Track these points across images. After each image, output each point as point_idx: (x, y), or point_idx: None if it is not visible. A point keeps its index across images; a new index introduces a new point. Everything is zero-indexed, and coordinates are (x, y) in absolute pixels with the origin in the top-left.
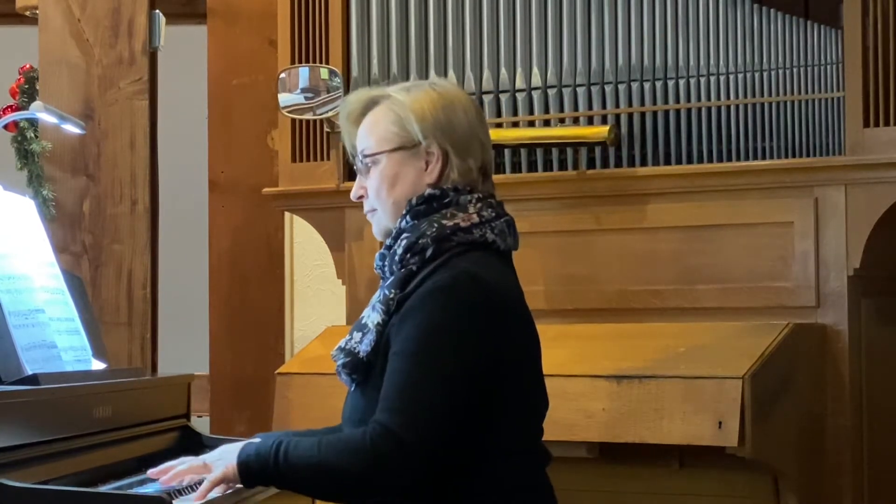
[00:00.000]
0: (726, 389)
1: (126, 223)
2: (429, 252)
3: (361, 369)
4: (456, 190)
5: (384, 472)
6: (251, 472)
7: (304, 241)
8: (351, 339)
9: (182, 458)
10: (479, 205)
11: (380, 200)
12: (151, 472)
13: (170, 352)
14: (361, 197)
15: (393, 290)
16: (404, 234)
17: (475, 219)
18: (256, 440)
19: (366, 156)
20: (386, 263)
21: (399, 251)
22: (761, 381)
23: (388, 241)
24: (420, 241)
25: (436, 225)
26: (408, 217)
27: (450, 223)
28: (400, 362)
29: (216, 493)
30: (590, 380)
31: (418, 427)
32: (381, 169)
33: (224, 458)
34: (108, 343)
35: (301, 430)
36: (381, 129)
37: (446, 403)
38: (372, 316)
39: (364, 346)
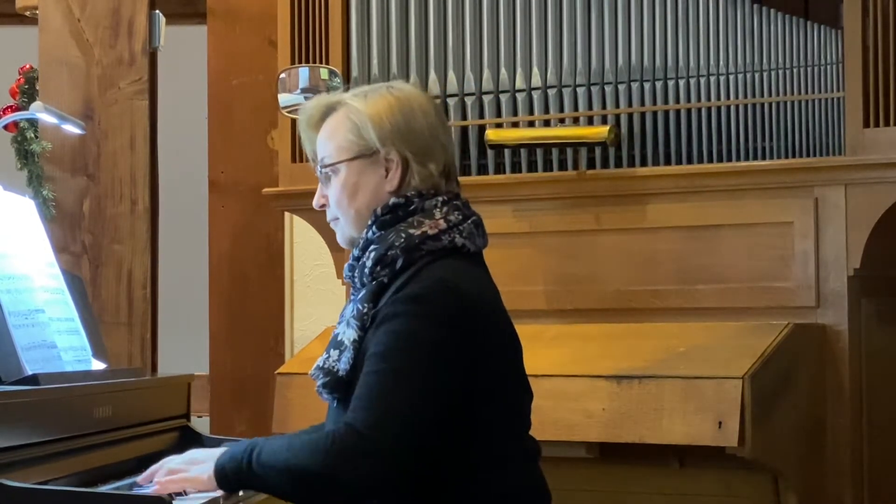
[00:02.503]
0: (726, 389)
1: (126, 223)
2: (399, 263)
3: (342, 388)
4: (420, 196)
5: (345, 471)
6: (226, 473)
7: (304, 241)
8: (328, 357)
9: (162, 463)
10: (444, 209)
11: (341, 210)
12: (140, 479)
13: (170, 352)
14: (324, 206)
15: (366, 305)
16: (372, 246)
17: (442, 224)
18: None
19: (325, 165)
20: (356, 274)
21: (369, 263)
22: (761, 381)
23: (355, 252)
24: (389, 253)
25: (403, 235)
26: (374, 227)
27: (417, 232)
28: (370, 365)
29: (204, 496)
30: (590, 380)
31: (383, 427)
32: (341, 178)
33: (202, 459)
34: (108, 343)
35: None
36: (339, 137)
37: (414, 407)
38: (347, 332)
39: (343, 365)
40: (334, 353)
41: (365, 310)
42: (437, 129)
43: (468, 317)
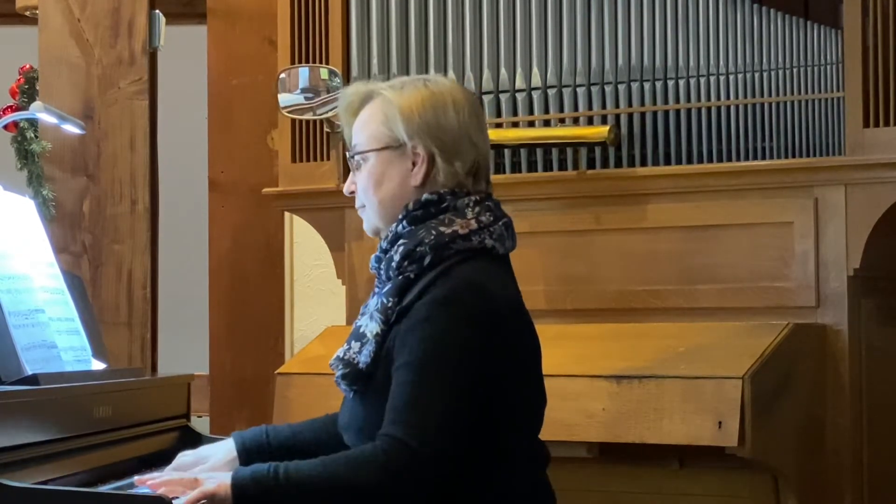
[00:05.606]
0: (726, 389)
1: (126, 223)
2: (427, 260)
3: (361, 380)
4: (453, 193)
5: (398, 484)
6: (246, 493)
7: (304, 241)
8: (349, 348)
9: (173, 472)
10: (476, 209)
11: (367, 198)
12: (140, 479)
13: (170, 352)
14: (353, 192)
15: (391, 299)
16: (401, 241)
17: (473, 225)
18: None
19: (356, 153)
20: (382, 267)
21: (396, 258)
22: (761, 381)
23: (383, 244)
24: (418, 249)
25: (434, 232)
26: (404, 222)
27: (448, 230)
28: (406, 374)
29: None
30: (590, 380)
31: (429, 437)
32: (369, 167)
33: (216, 475)
34: (108, 343)
35: (298, 423)
36: (372, 127)
37: (455, 413)
38: (370, 325)
39: (363, 357)
40: (355, 345)
41: (389, 304)
42: (469, 127)
43: (492, 317)
